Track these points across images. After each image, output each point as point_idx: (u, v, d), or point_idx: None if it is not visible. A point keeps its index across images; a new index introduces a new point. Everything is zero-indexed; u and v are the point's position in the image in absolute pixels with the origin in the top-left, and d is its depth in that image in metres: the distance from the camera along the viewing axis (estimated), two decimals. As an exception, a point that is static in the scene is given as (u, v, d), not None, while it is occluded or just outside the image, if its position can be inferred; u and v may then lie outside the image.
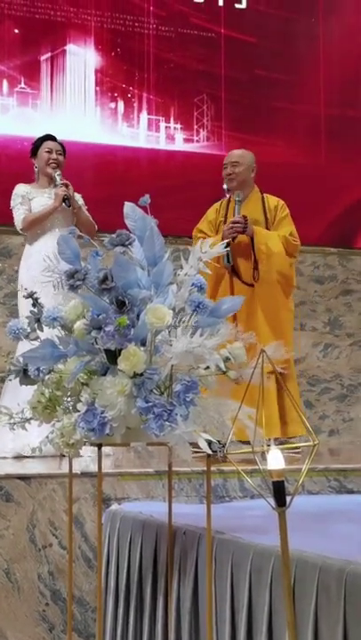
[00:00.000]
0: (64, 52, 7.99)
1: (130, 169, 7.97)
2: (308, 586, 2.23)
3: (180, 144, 8.25)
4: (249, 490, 3.89)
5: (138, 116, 8.16)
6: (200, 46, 8.38)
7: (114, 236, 2.58)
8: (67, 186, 5.47)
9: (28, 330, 2.80)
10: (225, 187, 5.65)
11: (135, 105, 8.16)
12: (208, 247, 2.62)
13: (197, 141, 8.29)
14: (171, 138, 8.24)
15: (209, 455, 2.46)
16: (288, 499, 1.97)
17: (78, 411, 2.53)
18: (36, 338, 2.78)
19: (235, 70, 8.44)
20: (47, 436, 2.71)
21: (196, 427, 2.45)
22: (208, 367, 2.56)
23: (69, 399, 2.66)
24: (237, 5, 8.55)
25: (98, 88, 8.07)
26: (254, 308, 5.26)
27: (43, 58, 7.91)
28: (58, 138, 5.72)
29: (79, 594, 3.65)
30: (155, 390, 2.47)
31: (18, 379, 2.78)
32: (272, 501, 1.98)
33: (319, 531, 2.83)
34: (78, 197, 5.61)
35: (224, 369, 2.58)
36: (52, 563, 3.67)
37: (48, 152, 5.60)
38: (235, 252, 5.27)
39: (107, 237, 2.59)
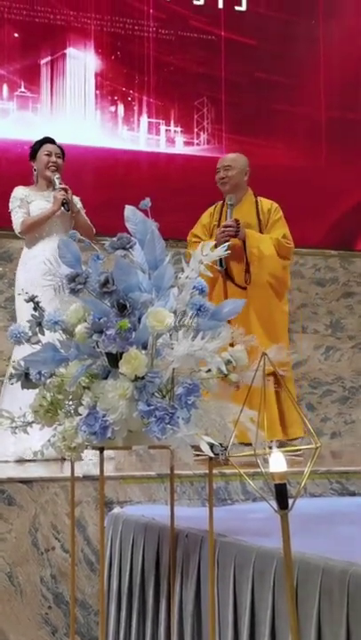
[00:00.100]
0: (64, 55, 8.00)
1: (130, 172, 7.97)
2: (310, 588, 2.23)
3: (180, 147, 8.26)
4: (251, 492, 3.89)
5: (138, 120, 8.16)
6: (200, 49, 8.38)
7: (115, 239, 2.58)
8: (66, 190, 5.47)
9: (30, 334, 2.80)
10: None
11: (135, 108, 8.16)
12: (209, 250, 2.62)
13: (198, 144, 8.29)
14: (171, 141, 8.24)
15: (211, 458, 2.46)
16: (290, 501, 1.97)
17: (80, 414, 2.54)
18: (38, 341, 2.78)
19: (235, 73, 8.44)
20: (49, 440, 2.71)
21: (198, 429, 2.45)
22: (210, 370, 2.56)
23: (71, 403, 2.66)
24: (237, 8, 8.56)
25: (98, 91, 8.07)
26: (247, 310, 5.25)
27: (43, 62, 7.92)
28: (58, 141, 5.72)
29: (82, 597, 3.65)
30: (156, 393, 2.47)
31: (13, 382, 2.78)
32: (274, 504, 1.98)
33: (322, 533, 2.83)
34: (77, 201, 5.61)
35: (226, 372, 2.58)
36: (55, 566, 3.67)
37: (47, 155, 5.60)
38: (228, 255, 5.28)
39: (107, 241, 2.59)
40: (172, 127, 8.23)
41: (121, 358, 2.47)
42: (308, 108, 8.65)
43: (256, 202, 5.64)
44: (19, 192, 5.59)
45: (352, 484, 4.14)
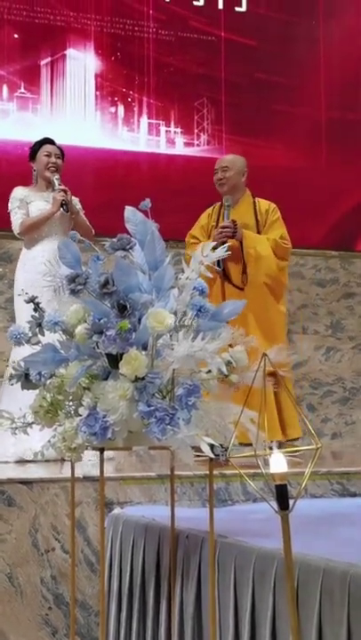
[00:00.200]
0: (64, 56, 8.00)
1: (130, 173, 7.97)
2: (311, 589, 2.23)
3: (180, 148, 8.26)
4: (251, 493, 3.89)
5: (138, 121, 8.16)
6: (200, 50, 8.39)
7: (115, 240, 2.58)
8: (65, 192, 5.46)
9: (30, 334, 2.80)
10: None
11: (135, 109, 8.16)
12: (209, 251, 2.62)
13: (198, 145, 8.29)
14: (171, 142, 8.24)
15: (211, 459, 2.46)
16: (291, 502, 1.97)
17: (80, 415, 2.53)
18: (38, 342, 2.78)
19: (235, 74, 8.44)
20: (49, 441, 2.70)
21: (199, 430, 2.45)
22: (210, 371, 2.56)
23: (71, 403, 2.66)
24: (237, 8, 8.56)
25: (98, 92, 8.07)
26: (245, 311, 5.24)
27: (43, 62, 7.92)
28: (58, 142, 5.72)
29: (82, 598, 3.65)
30: (157, 394, 2.47)
31: (13, 383, 2.78)
32: (275, 505, 1.98)
33: (322, 534, 2.83)
34: (76, 202, 5.60)
35: (226, 372, 2.58)
36: (55, 567, 3.66)
37: (47, 156, 5.59)
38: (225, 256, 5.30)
39: (107, 242, 2.59)
40: (172, 128, 8.23)
41: (121, 359, 2.47)
42: (309, 108, 8.65)
43: (254, 202, 5.66)
44: (18, 192, 5.58)
45: (353, 485, 4.14)
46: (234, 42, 8.48)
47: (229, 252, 2.85)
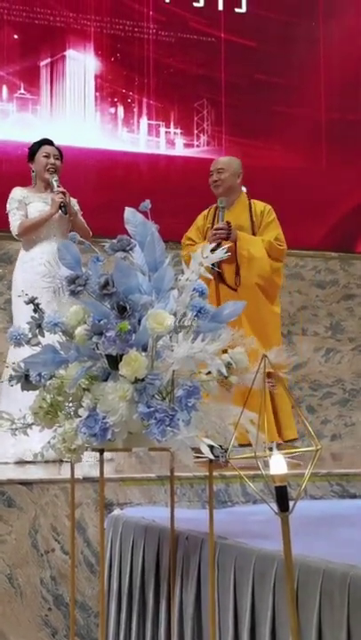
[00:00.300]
0: (64, 57, 8.00)
1: (130, 174, 7.97)
2: (311, 590, 2.23)
3: (180, 149, 8.26)
4: (251, 495, 3.89)
5: (138, 122, 8.16)
6: (200, 51, 8.39)
7: (114, 241, 2.58)
8: (64, 193, 5.44)
9: (30, 335, 2.80)
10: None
11: (135, 110, 8.16)
12: (209, 252, 2.62)
13: (198, 146, 8.29)
14: (171, 143, 8.24)
15: (211, 460, 2.46)
16: (291, 503, 1.97)
17: (80, 416, 2.53)
18: (38, 343, 2.78)
19: (235, 75, 8.44)
20: (49, 442, 2.70)
21: (198, 432, 2.45)
22: (210, 372, 2.56)
23: (71, 404, 2.66)
24: (237, 10, 8.56)
25: (98, 93, 8.07)
26: (238, 312, 5.27)
27: (42, 63, 7.92)
28: (57, 143, 5.71)
29: (82, 599, 3.65)
30: (156, 395, 2.47)
31: (13, 384, 2.78)
32: (275, 506, 1.98)
33: (322, 535, 2.83)
34: (74, 203, 5.59)
35: (226, 374, 2.58)
36: (55, 568, 3.66)
37: (46, 157, 5.58)
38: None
39: (107, 243, 2.59)
40: (171, 129, 8.23)
41: (121, 360, 2.47)
42: (309, 109, 8.65)
43: (249, 204, 5.68)
44: (17, 193, 5.56)
45: (352, 487, 4.14)
46: (234, 43, 8.48)
47: (229, 254, 2.84)
